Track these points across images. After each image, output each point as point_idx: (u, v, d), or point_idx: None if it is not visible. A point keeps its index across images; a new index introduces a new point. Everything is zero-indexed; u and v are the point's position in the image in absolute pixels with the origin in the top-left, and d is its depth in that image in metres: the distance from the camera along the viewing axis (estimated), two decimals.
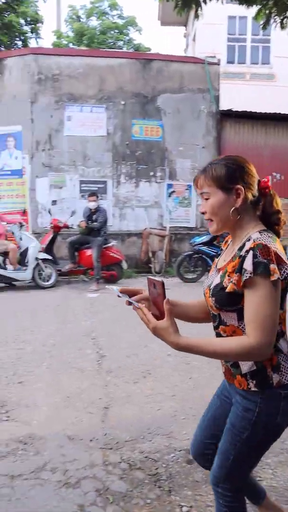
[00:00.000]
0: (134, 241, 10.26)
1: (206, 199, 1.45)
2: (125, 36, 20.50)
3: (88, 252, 8.22)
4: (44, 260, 7.97)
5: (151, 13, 44.25)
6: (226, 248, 1.57)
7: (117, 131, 10.29)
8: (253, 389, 1.41)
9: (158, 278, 1.38)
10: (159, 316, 1.37)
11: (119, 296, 1.46)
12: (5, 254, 7.81)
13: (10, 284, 8.11)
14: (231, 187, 1.41)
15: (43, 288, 7.89)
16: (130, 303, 1.44)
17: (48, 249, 8.24)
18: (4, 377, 3.73)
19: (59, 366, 4.02)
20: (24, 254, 7.91)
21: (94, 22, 20.98)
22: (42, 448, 2.61)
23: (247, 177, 1.43)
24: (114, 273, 8.45)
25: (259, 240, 1.32)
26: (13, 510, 2.04)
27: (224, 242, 1.62)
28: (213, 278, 1.49)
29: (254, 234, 1.36)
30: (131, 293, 1.49)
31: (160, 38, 47.24)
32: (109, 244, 8.44)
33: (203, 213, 1.48)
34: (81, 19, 21.04)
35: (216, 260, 1.60)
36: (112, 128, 10.26)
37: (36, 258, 7.85)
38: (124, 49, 19.32)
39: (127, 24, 20.58)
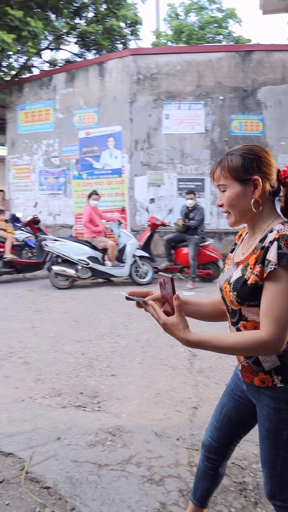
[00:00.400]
0: (232, 240, 10.02)
1: (223, 191, 1.40)
2: (224, 30, 20.00)
3: (185, 250, 8.24)
4: (141, 257, 8.15)
5: (252, 2, 42.84)
6: (241, 242, 1.51)
7: (215, 127, 10.12)
8: (279, 385, 1.34)
9: (167, 274, 1.34)
10: (171, 313, 1.33)
11: (127, 298, 1.43)
12: (104, 250, 8.16)
13: (108, 280, 8.45)
14: (248, 178, 1.35)
15: (140, 284, 8.06)
16: (140, 305, 1.42)
17: (146, 246, 8.40)
18: (98, 369, 3.88)
19: (151, 362, 4.07)
20: (122, 251, 8.17)
21: (193, 18, 20.87)
22: (130, 441, 2.66)
23: (264, 167, 1.36)
24: (210, 272, 8.35)
25: (284, 231, 1.26)
26: (99, 498, 2.11)
27: (238, 236, 1.56)
28: (231, 273, 1.44)
29: (277, 225, 1.30)
30: (141, 295, 1.47)
31: (262, 28, 45.42)
32: (206, 243, 8.36)
33: (220, 206, 1.43)
34: (179, 17, 21.04)
35: (231, 254, 1.53)
36: (210, 125, 10.12)
37: (134, 255, 8.06)
38: (224, 43, 18.90)
39: (227, 16, 20.03)
